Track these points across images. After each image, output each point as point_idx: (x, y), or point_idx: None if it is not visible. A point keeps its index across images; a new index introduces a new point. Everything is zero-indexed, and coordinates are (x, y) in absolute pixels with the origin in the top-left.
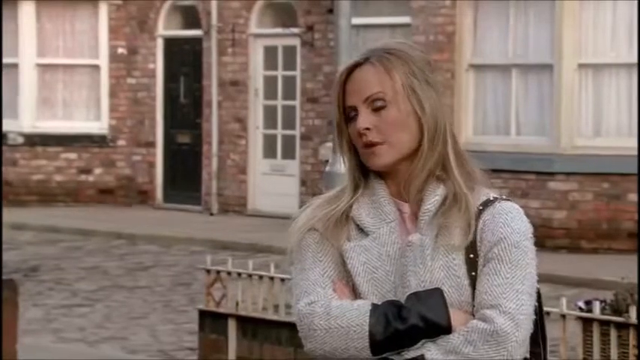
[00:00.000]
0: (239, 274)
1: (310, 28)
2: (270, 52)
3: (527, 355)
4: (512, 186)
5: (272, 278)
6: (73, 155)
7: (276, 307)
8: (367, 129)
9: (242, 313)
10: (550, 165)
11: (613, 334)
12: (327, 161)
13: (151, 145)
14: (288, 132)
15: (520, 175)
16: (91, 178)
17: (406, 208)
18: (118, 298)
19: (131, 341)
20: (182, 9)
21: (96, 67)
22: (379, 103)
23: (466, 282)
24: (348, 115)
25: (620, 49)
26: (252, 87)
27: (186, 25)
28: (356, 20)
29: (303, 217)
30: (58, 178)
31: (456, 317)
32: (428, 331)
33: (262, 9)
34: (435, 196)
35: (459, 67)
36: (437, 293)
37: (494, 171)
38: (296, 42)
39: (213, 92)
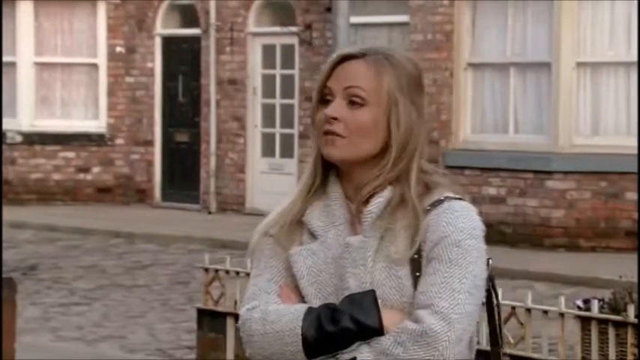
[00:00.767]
0: (237, 273)
1: (308, 27)
2: (268, 51)
3: (472, 356)
4: (510, 184)
5: None
6: (71, 154)
7: None
8: (335, 118)
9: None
10: (548, 163)
11: (611, 332)
12: None
13: (150, 143)
14: (287, 131)
15: (518, 173)
16: (89, 177)
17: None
18: (116, 296)
19: (129, 340)
20: (180, 8)
21: (94, 66)
22: (357, 100)
23: (408, 283)
24: (323, 96)
25: (618, 47)
26: (251, 86)
27: (185, 24)
28: (354, 19)
29: (266, 220)
30: (57, 176)
31: (390, 318)
32: (360, 334)
33: (260, 8)
34: (378, 198)
35: (457, 66)
36: (370, 295)
37: (492, 169)
38: (294, 41)
39: (211, 91)
